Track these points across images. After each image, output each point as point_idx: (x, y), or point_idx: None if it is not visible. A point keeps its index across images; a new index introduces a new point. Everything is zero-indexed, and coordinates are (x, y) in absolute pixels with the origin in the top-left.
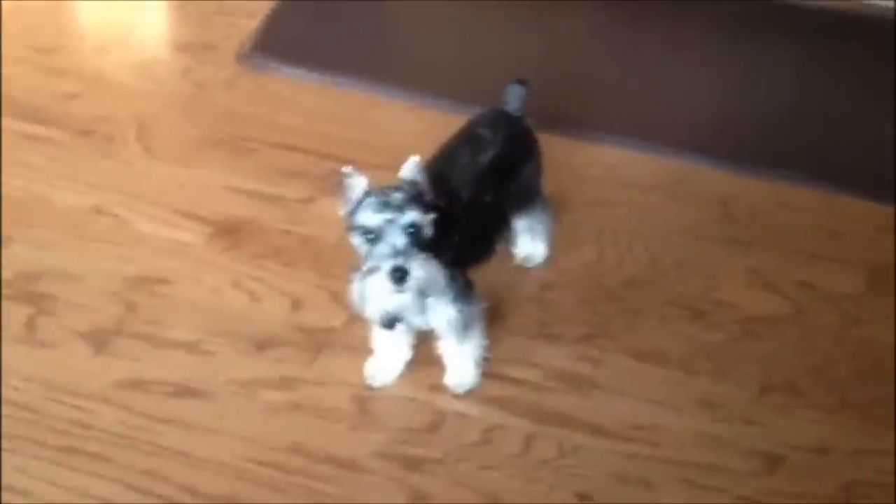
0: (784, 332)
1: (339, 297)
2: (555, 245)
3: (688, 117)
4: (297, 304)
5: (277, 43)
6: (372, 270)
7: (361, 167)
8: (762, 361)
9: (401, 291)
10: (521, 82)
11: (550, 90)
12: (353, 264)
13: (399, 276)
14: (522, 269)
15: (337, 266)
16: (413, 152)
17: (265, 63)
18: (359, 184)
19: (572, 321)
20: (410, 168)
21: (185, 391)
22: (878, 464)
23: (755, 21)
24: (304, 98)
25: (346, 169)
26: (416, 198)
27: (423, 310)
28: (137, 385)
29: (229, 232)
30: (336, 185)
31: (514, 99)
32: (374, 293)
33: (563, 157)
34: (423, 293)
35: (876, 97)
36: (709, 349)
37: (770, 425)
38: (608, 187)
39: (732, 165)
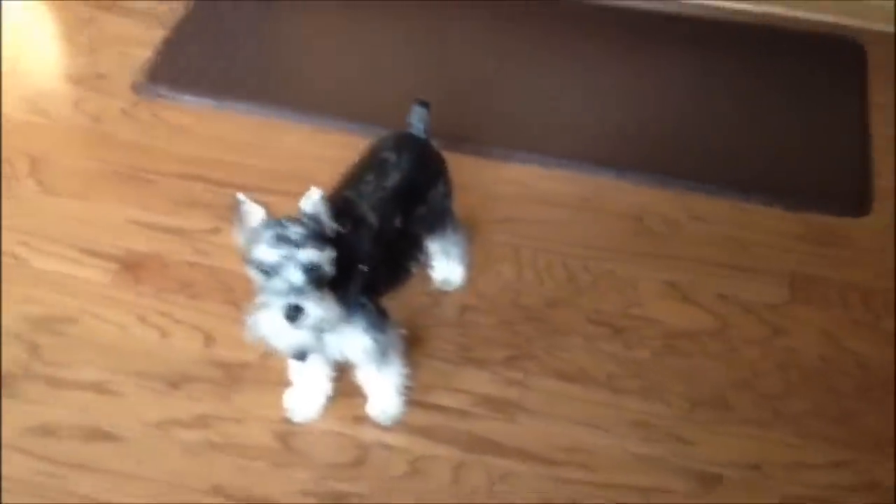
0: (708, 346)
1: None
2: (471, 266)
3: (595, 131)
4: (208, 339)
5: (172, 71)
6: (266, 305)
7: (264, 194)
8: (689, 377)
9: (296, 328)
10: (422, 104)
11: (452, 109)
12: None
13: (293, 314)
14: (440, 293)
15: (248, 297)
16: (315, 176)
17: (160, 91)
18: (255, 213)
19: (494, 344)
20: (311, 200)
21: (96, 434)
22: (813, 478)
23: (654, 32)
24: (202, 126)
25: (241, 197)
26: (315, 233)
27: (322, 342)
28: (46, 430)
29: (133, 267)
30: (233, 214)
31: (416, 120)
32: (269, 329)
33: (470, 176)
34: (319, 329)
35: (784, 107)
36: (634, 367)
37: (702, 443)
38: (520, 205)
39: (642, 178)
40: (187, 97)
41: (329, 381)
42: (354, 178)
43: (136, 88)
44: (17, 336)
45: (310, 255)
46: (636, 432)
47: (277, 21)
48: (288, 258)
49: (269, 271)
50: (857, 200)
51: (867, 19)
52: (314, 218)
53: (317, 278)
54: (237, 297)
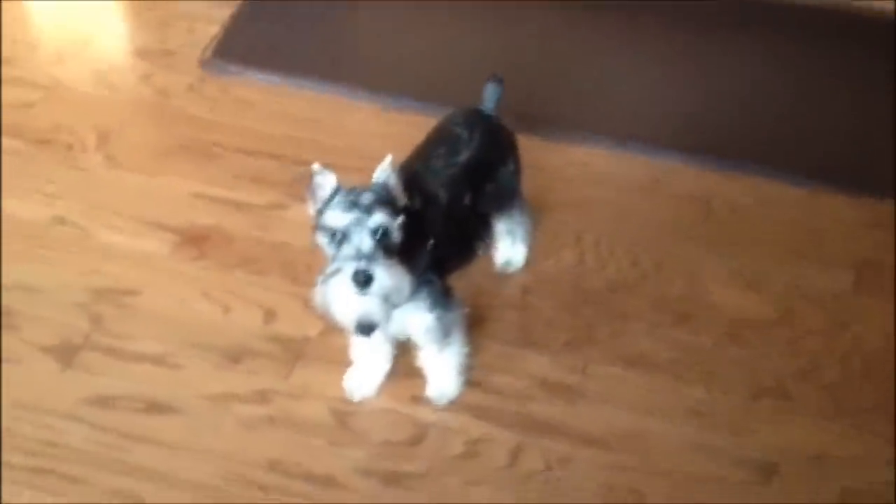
0: (771, 334)
1: (313, 307)
2: (534, 248)
3: (664, 115)
4: (269, 314)
5: (240, 47)
6: (335, 272)
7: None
8: (751, 366)
9: (364, 295)
10: (496, 80)
11: (523, 90)
12: (323, 267)
13: (362, 279)
14: (502, 274)
15: (310, 274)
16: (381, 154)
17: (228, 67)
18: (328, 182)
19: (555, 327)
20: (383, 169)
21: (155, 407)
22: (873, 473)
23: (729, 17)
24: (269, 102)
25: (316, 166)
26: (385, 200)
27: (389, 316)
28: (106, 401)
29: (197, 241)
30: (305, 184)
31: (489, 97)
32: (337, 296)
33: (538, 157)
34: (388, 299)
35: (852, 91)
36: (696, 354)
37: (762, 432)
38: (586, 188)
39: (710, 163)
40: (254, 73)
41: (389, 360)
42: (425, 153)
43: (204, 64)
44: (81, 306)
45: (379, 219)
46: (696, 420)
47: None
48: (358, 223)
49: (339, 236)
50: None
51: None
52: (385, 186)
53: (386, 245)
54: (299, 273)
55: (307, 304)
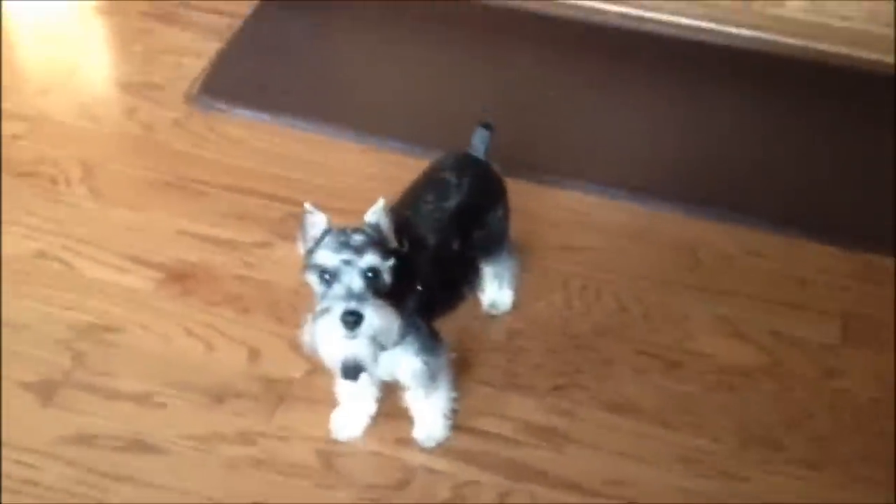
0: (759, 383)
1: (298, 347)
2: (521, 291)
3: (651, 162)
4: (254, 354)
5: (226, 83)
6: (324, 312)
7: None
8: (739, 414)
9: (353, 337)
10: (485, 125)
11: (511, 133)
12: (309, 307)
13: (352, 320)
14: (488, 317)
15: (295, 314)
16: (369, 195)
17: (214, 104)
18: (319, 222)
19: (542, 371)
20: (375, 211)
21: (136, 446)
22: None
23: (712, 65)
24: (256, 140)
25: (308, 206)
26: (377, 241)
27: (376, 359)
28: (87, 440)
29: (181, 278)
30: (296, 223)
31: (479, 142)
32: (326, 336)
33: (525, 201)
34: (377, 341)
35: (838, 143)
36: (684, 401)
37: (752, 481)
38: (574, 233)
39: (698, 211)
40: (241, 110)
41: (375, 401)
42: (414, 198)
43: (190, 100)
44: (62, 342)
45: (370, 260)
46: (685, 467)
47: (334, 37)
48: (348, 263)
49: (329, 276)
50: None
51: None
52: (376, 228)
53: (376, 287)
54: (284, 313)
55: (292, 344)
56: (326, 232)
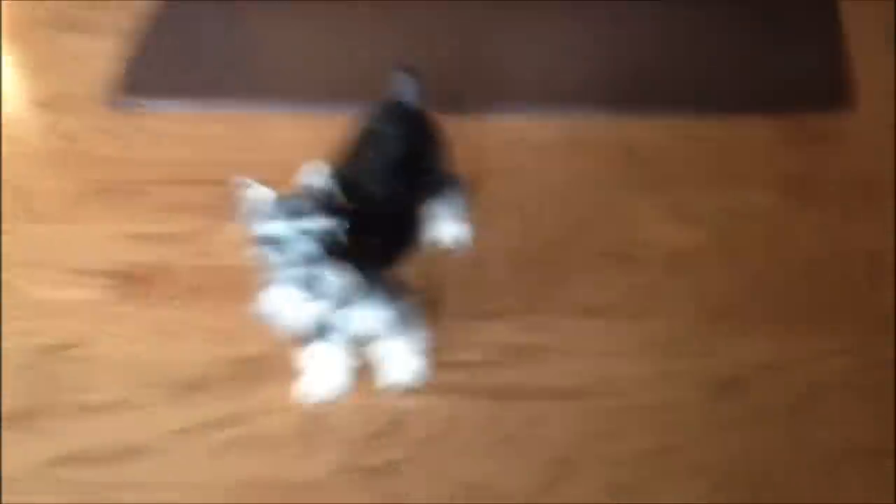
0: (711, 258)
1: (264, 321)
2: (473, 222)
3: (574, 73)
4: (222, 338)
5: (140, 80)
6: (282, 281)
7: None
8: (698, 292)
9: (313, 300)
10: (406, 70)
11: (434, 73)
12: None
13: (311, 284)
14: (448, 252)
15: (253, 292)
16: (308, 161)
17: (133, 102)
18: (261, 195)
19: (508, 293)
20: (317, 174)
21: (126, 453)
22: (830, 365)
23: None
24: (183, 130)
25: (246, 181)
26: (325, 204)
27: (342, 318)
28: (74, 459)
29: (136, 280)
30: (238, 200)
31: (403, 87)
32: (286, 305)
33: (460, 134)
34: (335, 303)
35: (748, 15)
36: (646, 291)
37: (722, 351)
38: (514, 155)
39: (627, 112)
40: (162, 103)
41: (348, 358)
42: (352, 155)
43: (108, 102)
44: (31, 368)
45: (321, 223)
46: (657, 352)
47: (245, 15)
48: (298, 229)
49: (281, 246)
50: (839, 95)
51: None
52: (321, 191)
53: (331, 248)
54: (246, 293)
55: (255, 320)
56: (273, 202)
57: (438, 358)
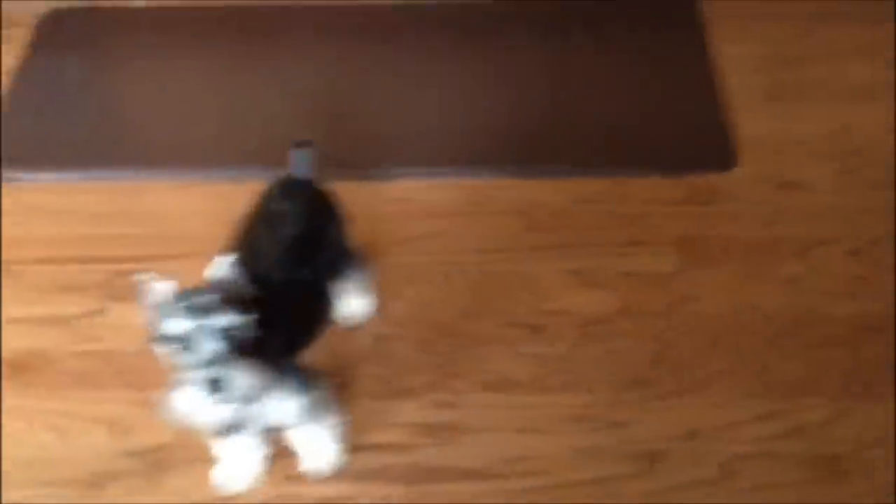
0: (620, 326)
1: (161, 410)
2: (376, 294)
3: (463, 133)
4: (117, 429)
5: (12, 150)
6: (187, 382)
7: (142, 262)
8: (609, 362)
9: (223, 402)
10: (301, 144)
11: (321, 139)
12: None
13: (217, 386)
14: (351, 329)
15: (149, 376)
16: (193, 234)
17: (3, 175)
18: (162, 289)
19: (417, 369)
20: (222, 265)
21: None
22: (747, 434)
23: (492, 24)
24: (58, 202)
25: (143, 275)
26: (229, 298)
27: (253, 414)
28: None
29: (17, 369)
30: (136, 294)
31: (299, 162)
32: (194, 406)
33: (352, 202)
34: (248, 399)
35: (633, 74)
36: (556, 363)
37: (637, 423)
38: (410, 222)
39: (520, 172)
40: (34, 174)
41: (258, 447)
42: (249, 236)
43: None
44: None
45: (223, 320)
46: (574, 427)
47: (113, 76)
48: (202, 327)
49: (184, 344)
50: (724, 154)
51: None
52: (225, 282)
53: (236, 345)
54: (136, 378)
55: (153, 409)
56: (174, 297)
57: (352, 441)
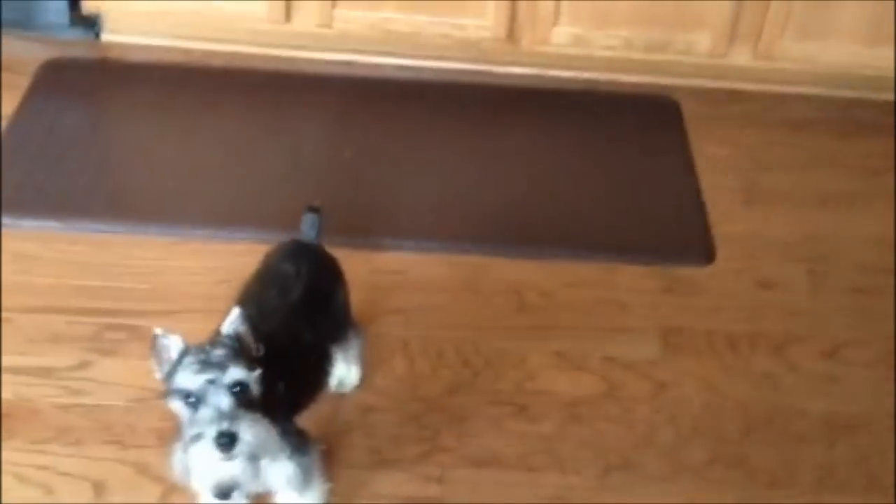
0: (604, 409)
1: (145, 470)
2: (365, 364)
3: (459, 210)
4: (99, 488)
5: (6, 197)
6: (196, 438)
7: (130, 317)
8: (593, 444)
9: (230, 459)
10: (312, 209)
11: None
12: (172, 433)
13: (226, 441)
14: (338, 397)
15: (134, 434)
16: (183, 291)
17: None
18: (174, 344)
19: (403, 441)
20: (232, 321)
21: None
22: None
23: (498, 106)
24: (49, 252)
25: (158, 330)
26: (239, 353)
27: (256, 474)
28: None
29: (4, 419)
30: (150, 349)
31: (308, 227)
32: (201, 463)
33: (350, 270)
34: (255, 457)
35: (623, 167)
36: (541, 442)
37: None
38: (402, 294)
39: (513, 252)
40: (28, 222)
41: None
42: (255, 295)
43: None
44: None
45: (235, 375)
46: None
47: (112, 126)
48: (213, 382)
49: (194, 399)
50: (702, 249)
51: (681, 76)
52: (236, 338)
53: (245, 400)
54: (122, 435)
55: (138, 468)
56: (184, 352)
57: None
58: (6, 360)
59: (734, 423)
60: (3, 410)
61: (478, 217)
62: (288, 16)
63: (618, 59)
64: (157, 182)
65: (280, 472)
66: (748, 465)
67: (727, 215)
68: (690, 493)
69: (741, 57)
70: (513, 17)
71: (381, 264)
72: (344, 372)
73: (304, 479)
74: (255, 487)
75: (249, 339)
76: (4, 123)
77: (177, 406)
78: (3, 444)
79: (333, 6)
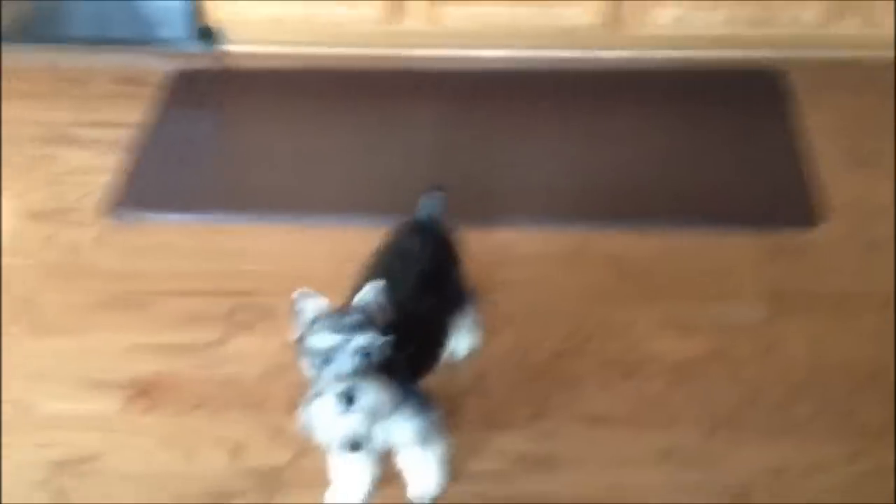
0: (711, 369)
1: (278, 434)
2: (481, 333)
3: (568, 189)
4: (236, 450)
5: (139, 192)
6: (319, 394)
7: (262, 296)
8: (701, 401)
9: (348, 415)
10: (437, 188)
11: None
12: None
13: (346, 399)
14: (453, 364)
15: (267, 401)
16: (313, 274)
17: (132, 214)
18: (313, 306)
19: (517, 403)
20: (368, 290)
21: None
22: (833, 473)
23: (600, 89)
24: (184, 241)
25: (299, 292)
26: (369, 320)
27: (374, 433)
28: None
29: (145, 392)
30: (290, 310)
31: (431, 205)
32: (322, 418)
33: (463, 246)
34: (374, 416)
35: (726, 140)
36: (650, 400)
37: (727, 461)
38: (511, 268)
39: (618, 226)
40: (161, 215)
41: (370, 471)
42: (382, 268)
43: (106, 214)
44: (41, 483)
45: (363, 340)
46: (667, 461)
47: (239, 129)
48: (342, 344)
49: (323, 359)
50: (808, 213)
51: (785, 48)
52: (367, 306)
53: (371, 364)
54: (257, 402)
55: (273, 431)
56: (319, 316)
57: (454, 468)
58: (150, 339)
59: (840, 380)
60: (148, 385)
61: (584, 195)
62: (399, 16)
63: (721, 35)
64: (281, 177)
65: (405, 429)
66: (854, 421)
67: (833, 180)
68: (796, 445)
69: (847, 26)
70: (614, 2)
71: (490, 241)
72: (463, 340)
73: (428, 436)
74: (380, 445)
75: (382, 309)
76: (142, 131)
77: (307, 365)
78: (151, 415)
79: (439, 4)
